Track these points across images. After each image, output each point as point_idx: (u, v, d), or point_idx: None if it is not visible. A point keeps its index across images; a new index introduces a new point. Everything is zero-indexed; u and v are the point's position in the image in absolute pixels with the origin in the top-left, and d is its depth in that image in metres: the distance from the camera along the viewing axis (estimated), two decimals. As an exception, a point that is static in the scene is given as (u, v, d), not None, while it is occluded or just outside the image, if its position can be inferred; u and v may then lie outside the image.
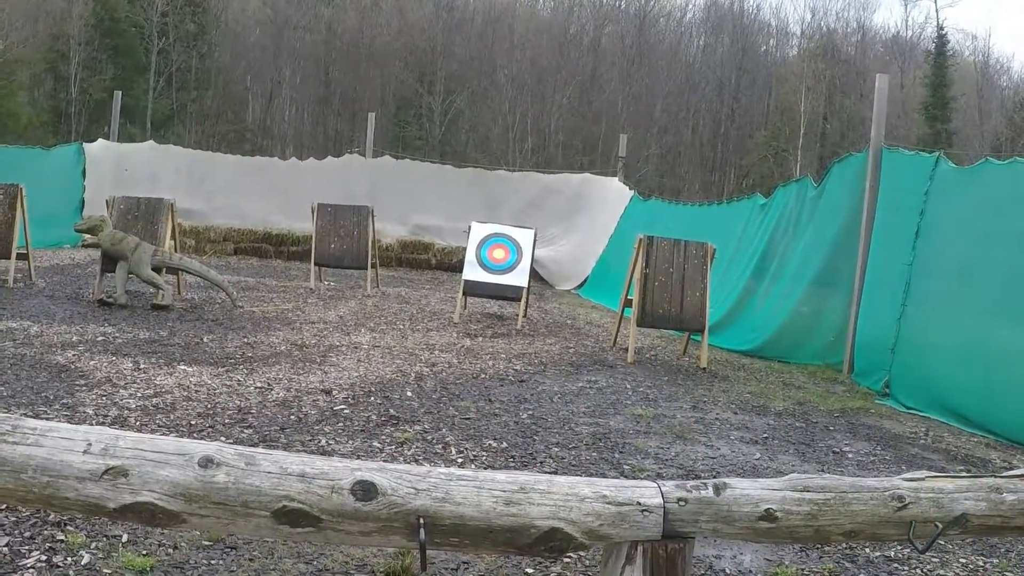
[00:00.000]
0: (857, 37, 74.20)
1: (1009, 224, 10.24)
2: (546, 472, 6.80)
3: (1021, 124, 59.96)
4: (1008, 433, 9.60)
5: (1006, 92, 71.26)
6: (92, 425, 5.46)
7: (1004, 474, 3.18)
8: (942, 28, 65.15)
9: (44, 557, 4.86)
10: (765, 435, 9.19)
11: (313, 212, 18.95)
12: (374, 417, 8.48)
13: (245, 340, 12.06)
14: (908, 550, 5.84)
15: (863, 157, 13.68)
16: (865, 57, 71.09)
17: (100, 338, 11.35)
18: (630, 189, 26.47)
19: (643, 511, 2.63)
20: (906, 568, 5.78)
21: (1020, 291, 9.82)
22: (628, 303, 13.72)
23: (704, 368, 12.89)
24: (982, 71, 71.85)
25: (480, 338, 14.00)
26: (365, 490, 2.45)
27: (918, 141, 51.02)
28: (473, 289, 15.96)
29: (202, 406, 8.37)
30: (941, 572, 5.79)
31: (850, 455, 8.69)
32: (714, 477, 6.98)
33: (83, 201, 24.50)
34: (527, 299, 16.03)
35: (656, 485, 2.73)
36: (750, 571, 5.54)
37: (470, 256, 16.08)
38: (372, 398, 9.26)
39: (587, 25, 72.22)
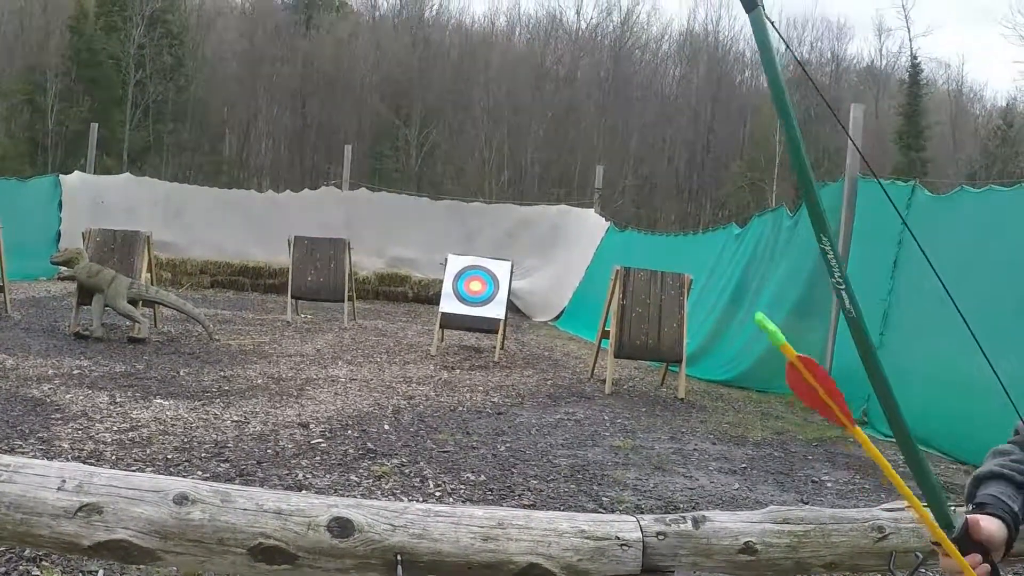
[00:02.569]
0: (831, 67, 74.64)
1: (985, 253, 10.28)
2: (524, 505, 6.79)
3: (995, 152, 60.42)
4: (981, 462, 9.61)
5: (979, 120, 71.82)
6: (68, 460, 5.43)
7: (983, 504, 3.18)
8: (916, 57, 65.66)
9: (18, 594, 4.82)
10: (744, 465, 9.20)
11: (290, 245, 18.92)
12: (351, 451, 8.46)
13: (222, 373, 12.02)
14: (887, 581, 5.82)
15: (838, 186, 13.73)
16: (840, 87, 71.49)
17: (76, 371, 11.30)
18: (606, 220, 26.58)
19: (622, 545, 2.62)
20: (885, 599, 5.76)
21: (995, 320, 9.85)
22: (605, 334, 13.73)
23: (682, 399, 12.91)
24: (956, 99, 72.40)
25: (457, 370, 13.99)
26: (342, 527, 2.44)
27: (893, 170, 51.30)
28: (450, 321, 15.96)
29: (179, 440, 8.33)
30: (920, 603, 5.78)
31: (829, 484, 8.70)
32: (693, 508, 6.98)
33: (59, 233, 24.40)
34: (504, 331, 16.03)
35: (635, 519, 2.72)
36: (729, 603, 5.52)
37: (447, 288, 16.08)
38: (349, 431, 9.23)
39: (563, 57, 72.51)
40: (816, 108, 65.13)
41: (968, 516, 1.91)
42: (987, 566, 1.90)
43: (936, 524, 1.86)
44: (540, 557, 2.54)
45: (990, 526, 1.95)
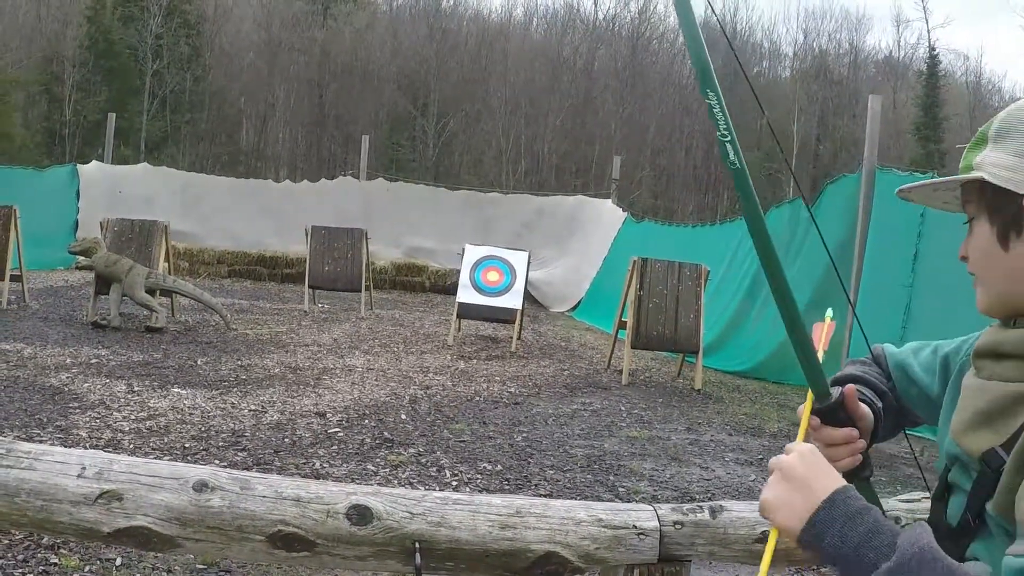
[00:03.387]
0: (850, 58, 74.44)
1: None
2: (541, 495, 6.80)
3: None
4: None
5: (997, 112, 71.38)
6: (86, 448, 5.45)
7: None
8: (934, 49, 65.41)
9: (37, 581, 4.84)
10: (760, 456, 9.20)
11: (307, 235, 18.93)
12: (368, 440, 8.48)
13: (239, 363, 12.05)
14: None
15: (856, 178, 13.67)
16: (858, 78, 71.32)
17: (94, 360, 11.34)
18: (623, 211, 26.51)
19: (639, 535, 2.62)
20: (902, 590, 5.76)
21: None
22: (622, 325, 13.73)
23: (698, 389, 12.90)
24: (974, 91, 72.14)
25: (474, 360, 14.00)
26: (360, 514, 2.44)
27: (911, 162, 51.15)
28: (467, 311, 15.95)
29: (196, 429, 8.36)
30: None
31: (845, 477, 8.68)
32: (709, 499, 6.98)
33: (77, 223, 24.43)
34: (521, 321, 16.02)
35: (652, 508, 2.72)
36: (746, 594, 5.53)
37: (464, 278, 16.07)
38: (366, 421, 9.25)
39: (580, 47, 72.38)
40: (834, 100, 65.03)
41: (845, 387, 1.94)
42: (863, 442, 1.94)
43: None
44: (558, 545, 2.54)
45: (862, 407, 1.99)
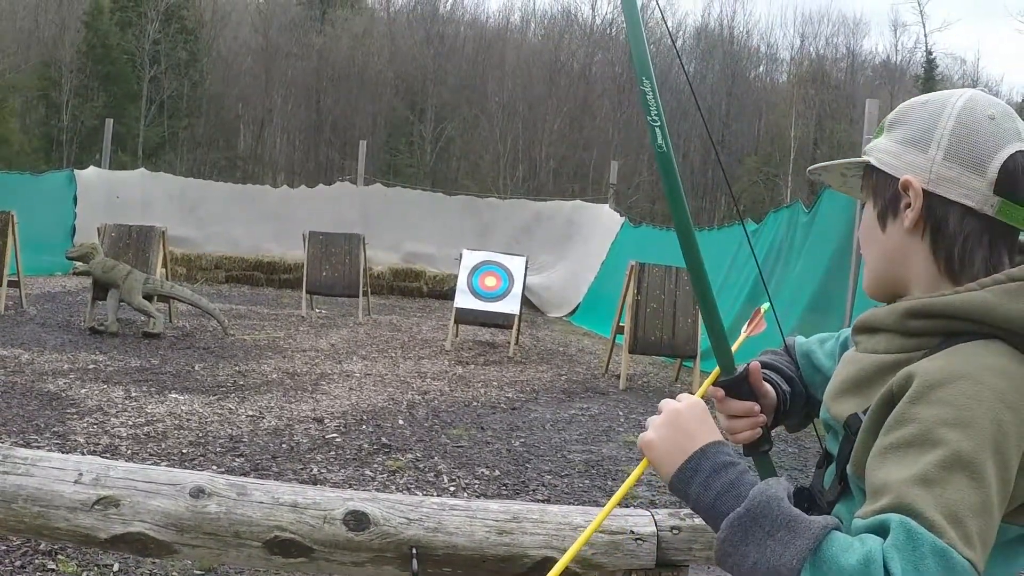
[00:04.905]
0: (847, 62, 74.38)
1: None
2: (539, 500, 6.80)
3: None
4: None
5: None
6: (83, 454, 5.45)
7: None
8: (931, 53, 65.44)
9: (34, 587, 4.83)
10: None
11: (305, 240, 18.92)
12: (366, 445, 8.47)
13: (236, 368, 12.04)
14: None
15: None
16: (855, 82, 71.26)
17: (91, 366, 11.33)
18: (621, 216, 26.48)
19: (636, 540, 2.62)
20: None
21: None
22: (620, 330, 13.71)
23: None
24: (971, 96, 71.91)
25: (472, 366, 13.99)
26: (357, 520, 2.44)
27: (908, 166, 51.04)
28: (465, 317, 15.94)
29: (193, 435, 8.36)
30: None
31: (843, 481, 8.67)
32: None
33: (74, 228, 24.42)
34: (519, 326, 16.01)
35: (650, 513, 2.72)
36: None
37: (461, 284, 16.06)
38: (364, 426, 9.24)
39: (578, 52, 72.34)
40: (831, 104, 65.01)
41: (750, 362, 2.07)
42: (764, 417, 2.06)
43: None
44: (555, 551, 2.54)
45: (766, 385, 2.11)
